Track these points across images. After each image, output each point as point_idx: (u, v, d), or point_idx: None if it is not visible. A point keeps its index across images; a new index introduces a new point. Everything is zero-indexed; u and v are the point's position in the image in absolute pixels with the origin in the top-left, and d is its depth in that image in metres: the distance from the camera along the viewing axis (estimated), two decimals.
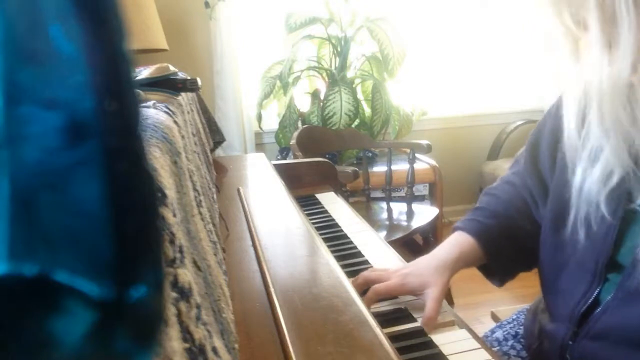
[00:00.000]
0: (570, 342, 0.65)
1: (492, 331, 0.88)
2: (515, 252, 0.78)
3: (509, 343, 0.83)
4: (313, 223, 1.05)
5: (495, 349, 0.83)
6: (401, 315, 0.71)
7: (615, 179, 0.56)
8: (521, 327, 0.86)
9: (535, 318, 0.77)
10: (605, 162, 0.56)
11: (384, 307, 0.73)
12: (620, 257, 0.60)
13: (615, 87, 0.51)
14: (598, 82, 0.52)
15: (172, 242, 0.32)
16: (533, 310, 0.80)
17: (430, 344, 0.65)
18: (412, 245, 2.08)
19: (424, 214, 1.87)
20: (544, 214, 0.72)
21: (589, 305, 0.62)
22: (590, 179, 0.59)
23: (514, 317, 0.90)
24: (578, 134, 0.60)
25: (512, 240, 0.77)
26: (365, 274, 0.76)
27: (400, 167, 2.25)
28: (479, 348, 0.64)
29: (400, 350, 0.60)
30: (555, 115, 0.70)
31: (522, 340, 0.83)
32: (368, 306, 0.64)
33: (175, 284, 0.30)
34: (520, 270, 0.81)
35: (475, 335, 0.66)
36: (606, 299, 0.61)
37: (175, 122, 0.59)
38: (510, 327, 0.87)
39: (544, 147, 0.73)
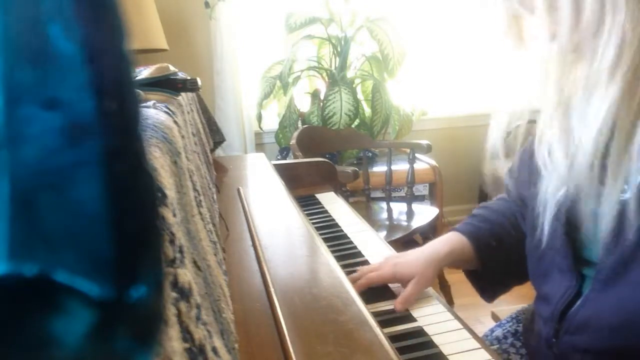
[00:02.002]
0: (554, 340, 0.67)
1: (492, 330, 0.90)
2: (506, 258, 0.81)
3: (509, 341, 0.85)
4: (313, 223, 1.05)
5: (495, 347, 0.84)
6: (401, 315, 0.71)
7: (561, 190, 0.61)
8: (520, 325, 0.87)
9: (532, 317, 0.79)
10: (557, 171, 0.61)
11: (384, 307, 0.73)
12: (587, 253, 0.63)
13: (560, 64, 0.54)
14: (544, 62, 0.56)
15: (172, 242, 0.32)
16: (531, 311, 0.82)
17: (430, 344, 0.65)
18: (412, 245, 2.07)
19: (424, 214, 1.87)
20: (525, 228, 0.77)
21: (569, 302, 0.65)
22: (543, 189, 0.64)
23: (514, 315, 0.91)
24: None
25: (502, 243, 0.81)
26: (360, 268, 0.80)
27: (400, 167, 2.25)
28: (479, 348, 0.64)
29: (400, 350, 0.60)
30: (528, 151, 0.75)
31: (521, 337, 0.85)
32: (358, 291, 0.67)
33: (175, 284, 0.30)
34: (511, 282, 0.85)
35: (475, 335, 0.66)
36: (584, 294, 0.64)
37: (175, 122, 0.59)
38: (510, 326, 0.88)
39: (521, 177, 0.79)
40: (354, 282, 0.75)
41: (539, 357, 0.74)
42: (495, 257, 0.81)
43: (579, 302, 0.63)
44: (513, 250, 0.80)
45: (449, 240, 0.81)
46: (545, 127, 0.60)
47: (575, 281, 0.64)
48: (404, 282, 0.76)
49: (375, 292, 0.77)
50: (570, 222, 0.64)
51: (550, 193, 0.63)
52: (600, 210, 0.55)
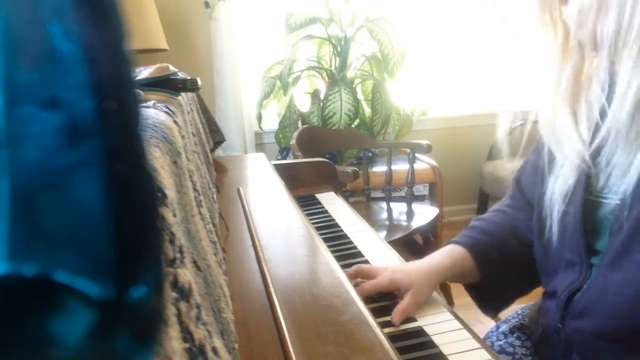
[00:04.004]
0: (560, 325, 0.68)
1: (498, 326, 0.91)
2: (506, 268, 0.81)
3: (515, 334, 0.86)
4: (313, 223, 1.05)
5: (501, 341, 0.85)
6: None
7: (573, 178, 0.66)
8: (525, 320, 0.89)
9: (540, 310, 0.80)
10: (568, 163, 0.66)
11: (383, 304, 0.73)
12: (598, 245, 0.65)
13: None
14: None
15: (172, 242, 0.32)
16: (539, 304, 0.83)
17: (430, 344, 0.65)
18: (412, 245, 2.08)
19: (424, 214, 1.87)
20: (531, 227, 0.78)
21: (574, 289, 0.67)
22: (554, 183, 0.68)
23: (519, 311, 0.92)
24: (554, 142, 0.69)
25: (503, 255, 0.81)
26: (358, 265, 0.79)
27: (400, 167, 2.25)
28: (479, 348, 0.64)
29: (400, 350, 0.60)
30: (536, 151, 0.80)
31: (526, 331, 0.86)
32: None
33: (175, 284, 0.30)
34: (514, 294, 0.85)
35: (475, 335, 0.66)
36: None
37: (175, 122, 0.59)
38: (516, 321, 0.89)
39: (525, 180, 0.82)
40: (349, 277, 0.74)
41: (545, 346, 0.75)
42: (496, 269, 0.80)
43: (584, 287, 0.65)
44: (516, 260, 0.80)
45: (450, 254, 0.80)
46: (559, 106, 0.65)
47: (585, 270, 0.66)
48: (401, 293, 0.75)
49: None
50: (583, 212, 0.66)
51: (560, 185, 0.67)
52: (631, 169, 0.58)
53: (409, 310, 0.71)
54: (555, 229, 0.68)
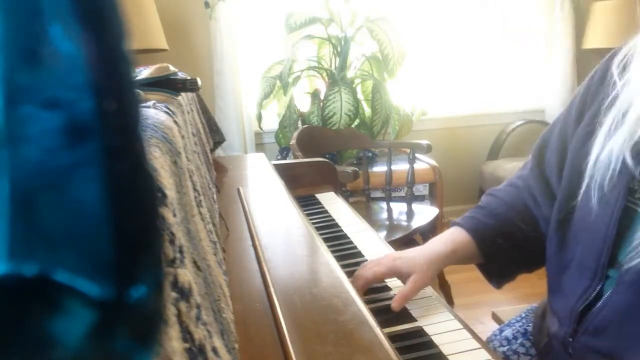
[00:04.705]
0: (570, 340, 0.65)
1: (501, 330, 0.88)
2: (512, 252, 0.78)
3: (518, 341, 0.84)
4: (313, 223, 1.05)
5: (504, 347, 0.83)
6: (401, 315, 0.71)
7: (636, 138, 0.58)
8: (530, 325, 0.86)
9: (544, 316, 0.78)
10: (633, 121, 0.58)
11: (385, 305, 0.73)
12: (621, 257, 0.60)
13: None
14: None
15: (172, 242, 0.32)
16: (542, 308, 0.81)
17: (430, 344, 0.65)
18: (412, 245, 2.07)
19: (424, 214, 1.87)
20: (547, 213, 0.73)
21: (589, 303, 0.63)
22: (612, 141, 0.60)
23: (523, 315, 0.90)
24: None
25: (509, 240, 0.78)
26: (358, 274, 0.76)
27: (400, 167, 2.25)
28: (479, 348, 0.64)
29: (400, 350, 0.60)
30: (564, 120, 0.73)
31: (531, 337, 0.84)
32: (358, 291, 0.66)
33: (175, 284, 0.30)
34: (519, 272, 0.82)
35: (475, 335, 0.66)
36: (606, 295, 0.62)
37: (175, 122, 0.59)
38: (520, 326, 0.87)
39: (551, 151, 0.75)
40: (357, 279, 0.74)
41: (550, 357, 0.73)
42: (502, 253, 0.78)
43: (600, 303, 0.61)
44: (523, 246, 0.77)
45: (452, 239, 0.78)
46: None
47: (598, 282, 0.62)
48: (402, 279, 0.75)
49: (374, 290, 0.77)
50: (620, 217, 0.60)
51: (617, 144, 0.59)
52: None
53: (409, 296, 0.71)
54: (594, 199, 0.61)
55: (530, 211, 0.78)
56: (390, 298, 0.75)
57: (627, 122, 0.59)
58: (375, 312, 0.63)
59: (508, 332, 0.86)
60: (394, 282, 0.80)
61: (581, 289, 0.64)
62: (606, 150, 0.61)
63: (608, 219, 0.60)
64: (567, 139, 0.70)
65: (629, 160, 0.59)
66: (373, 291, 0.78)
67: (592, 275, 0.62)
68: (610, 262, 0.61)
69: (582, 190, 0.64)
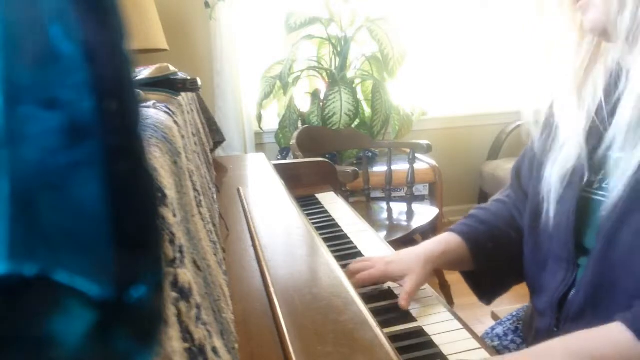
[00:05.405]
0: (555, 330, 0.68)
1: (493, 328, 0.90)
2: (502, 257, 0.81)
3: (509, 338, 0.86)
4: (313, 223, 1.05)
5: (495, 343, 0.85)
6: (401, 315, 0.71)
7: (572, 162, 0.67)
8: (520, 322, 0.88)
9: (533, 312, 0.80)
10: (567, 146, 0.67)
11: (384, 304, 0.73)
12: (587, 242, 0.66)
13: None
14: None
15: (172, 242, 0.32)
16: (531, 307, 0.82)
17: (430, 344, 0.65)
18: (412, 245, 2.08)
19: (424, 214, 1.87)
20: (524, 218, 0.78)
21: (566, 292, 0.67)
22: (554, 165, 0.69)
23: (514, 313, 0.92)
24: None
25: (499, 246, 0.81)
26: (350, 267, 0.80)
27: (400, 167, 2.25)
28: (479, 348, 0.64)
29: (400, 350, 0.60)
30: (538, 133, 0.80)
31: (521, 334, 0.86)
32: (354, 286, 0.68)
33: (175, 284, 0.30)
34: (508, 281, 0.85)
35: (475, 335, 0.66)
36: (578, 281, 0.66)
37: (175, 122, 0.59)
38: (510, 323, 0.89)
39: (525, 164, 0.82)
40: (348, 275, 0.75)
41: None
42: (492, 257, 0.81)
43: (573, 291, 0.66)
44: (511, 251, 0.80)
45: (444, 241, 0.81)
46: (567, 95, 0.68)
47: (572, 271, 0.66)
48: (397, 281, 0.77)
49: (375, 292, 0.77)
50: (577, 208, 0.66)
51: (559, 167, 0.68)
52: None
53: (414, 292, 0.74)
54: (552, 212, 0.69)
55: (516, 221, 0.82)
56: (390, 298, 0.75)
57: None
58: (375, 312, 0.63)
59: (499, 330, 0.88)
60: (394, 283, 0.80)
61: (558, 281, 0.68)
62: (563, 152, 0.68)
63: (567, 211, 0.67)
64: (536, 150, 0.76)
65: (583, 154, 0.66)
66: (373, 291, 0.78)
67: (567, 265, 0.67)
68: (582, 251, 0.66)
69: (544, 193, 0.70)
